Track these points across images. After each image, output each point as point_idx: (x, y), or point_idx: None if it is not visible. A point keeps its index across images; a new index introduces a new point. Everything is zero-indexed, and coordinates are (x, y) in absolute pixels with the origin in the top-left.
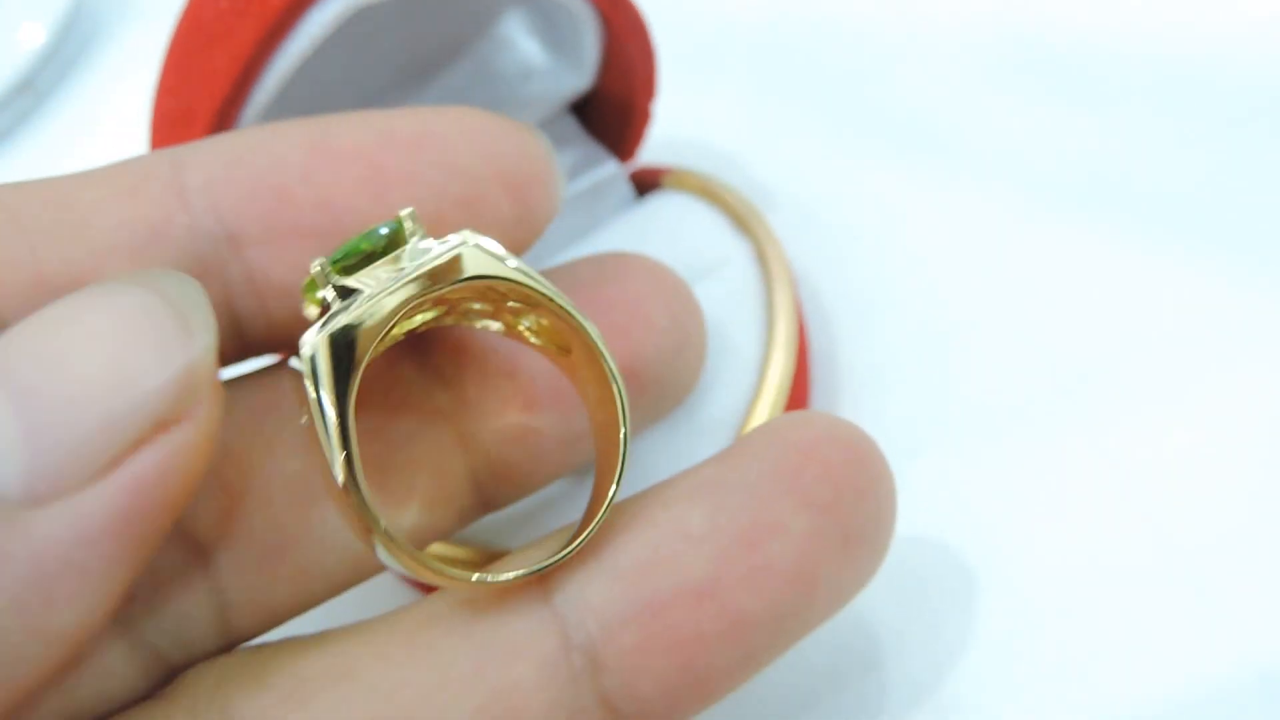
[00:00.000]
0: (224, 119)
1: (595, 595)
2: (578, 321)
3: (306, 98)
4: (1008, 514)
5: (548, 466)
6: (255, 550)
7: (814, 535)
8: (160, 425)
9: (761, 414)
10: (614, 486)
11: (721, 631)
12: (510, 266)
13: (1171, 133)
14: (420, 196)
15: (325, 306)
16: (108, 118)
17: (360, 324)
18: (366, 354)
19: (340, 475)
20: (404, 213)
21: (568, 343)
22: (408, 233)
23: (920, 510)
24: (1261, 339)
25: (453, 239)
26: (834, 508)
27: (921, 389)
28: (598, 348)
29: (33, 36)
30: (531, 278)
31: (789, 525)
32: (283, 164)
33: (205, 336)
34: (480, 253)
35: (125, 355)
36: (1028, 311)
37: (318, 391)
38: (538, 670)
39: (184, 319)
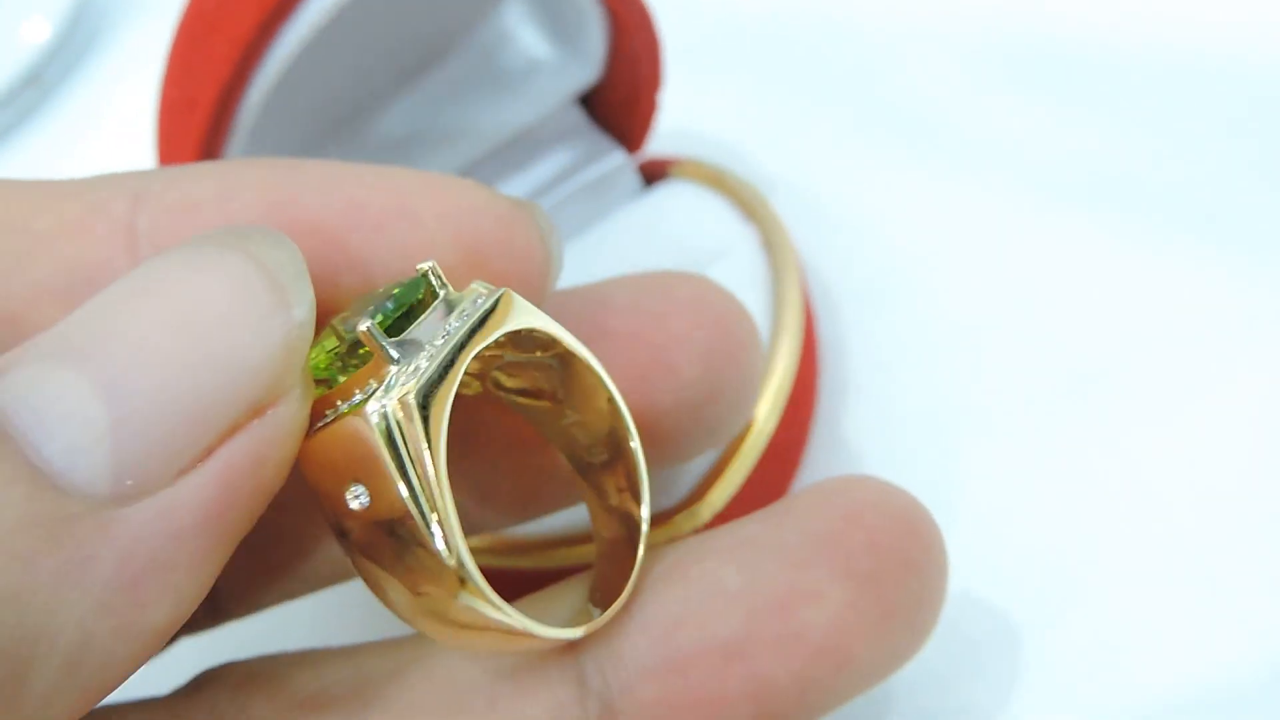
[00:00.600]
0: (225, 107)
1: (620, 644)
2: (600, 380)
3: (307, 87)
4: (1014, 504)
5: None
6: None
7: (851, 607)
8: (256, 409)
9: (767, 401)
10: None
11: (745, 694)
12: (547, 318)
13: (1177, 130)
14: (377, 282)
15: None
16: (113, 112)
17: (440, 379)
18: (445, 415)
19: (448, 551)
20: (426, 266)
21: (562, 387)
22: (435, 287)
23: (925, 501)
24: (1266, 336)
25: (480, 288)
26: (875, 580)
27: (929, 379)
28: (618, 410)
29: (38, 31)
30: (565, 332)
31: (826, 594)
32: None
33: (303, 308)
34: (519, 302)
35: (220, 332)
36: (1033, 304)
37: (405, 459)
38: (551, 710)
39: (281, 289)
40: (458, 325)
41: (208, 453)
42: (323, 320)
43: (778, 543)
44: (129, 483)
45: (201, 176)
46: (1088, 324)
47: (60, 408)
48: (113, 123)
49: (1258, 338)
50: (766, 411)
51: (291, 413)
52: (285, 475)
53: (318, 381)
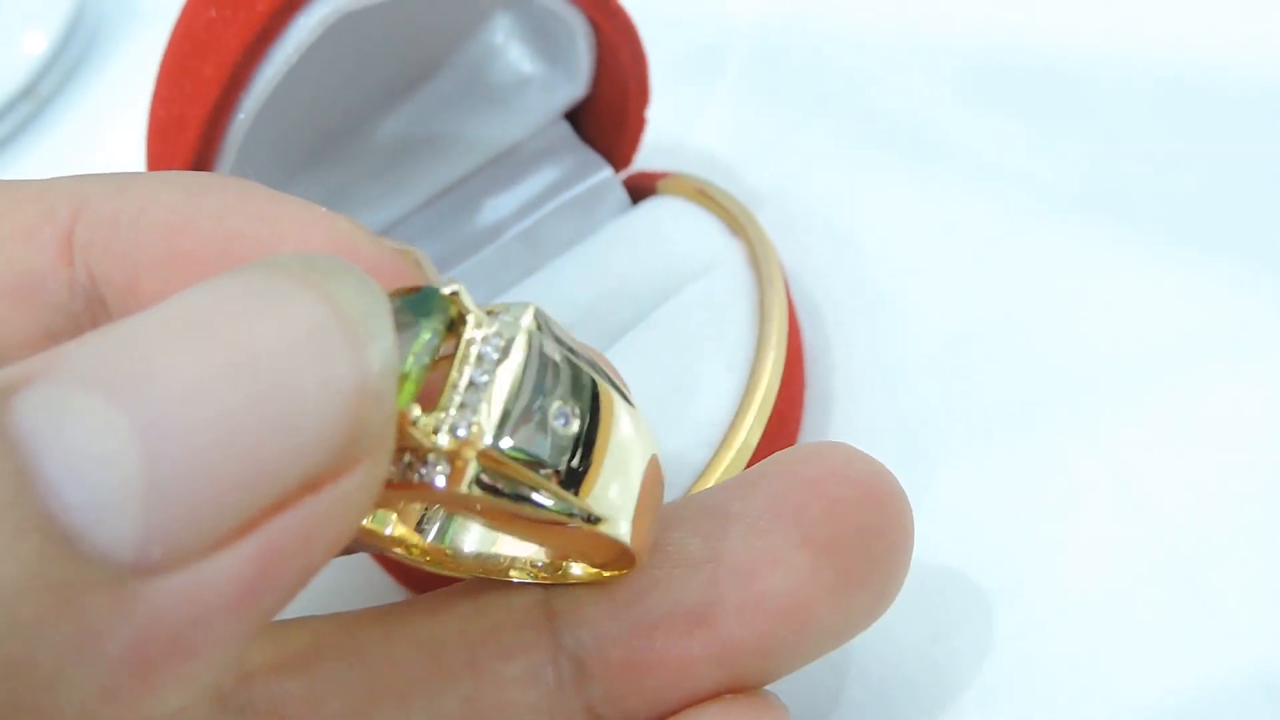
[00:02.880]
0: (214, 126)
1: (591, 609)
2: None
3: (296, 105)
4: (1002, 518)
5: None
6: None
7: (811, 573)
8: (311, 482)
9: (751, 413)
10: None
11: (709, 656)
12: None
13: (1168, 140)
14: None
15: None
16: (109, 125)
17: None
18: None
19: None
20: (449, 290)
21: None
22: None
23: (913, 513)
24: (1254, 347)
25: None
26: (835, 546)
27: (914, 392)
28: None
29: (34, 44)
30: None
31: (786, 560)
32: (147, 251)
33: (383, 365)
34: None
35: (282, 387)
36: (1019, 316)
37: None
38: (526, 670)
39: (359, 343)
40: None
41: (251, 527)
42: None
43: (741, 511)
44: (157, 552)
45: (130, 190)
46: (1074, 336)
47: (92, 448)
48: (108, 136)
49: (1245, 349)
50: (751, 424)
51: (354, 488)
52: (336, 552)
53: None
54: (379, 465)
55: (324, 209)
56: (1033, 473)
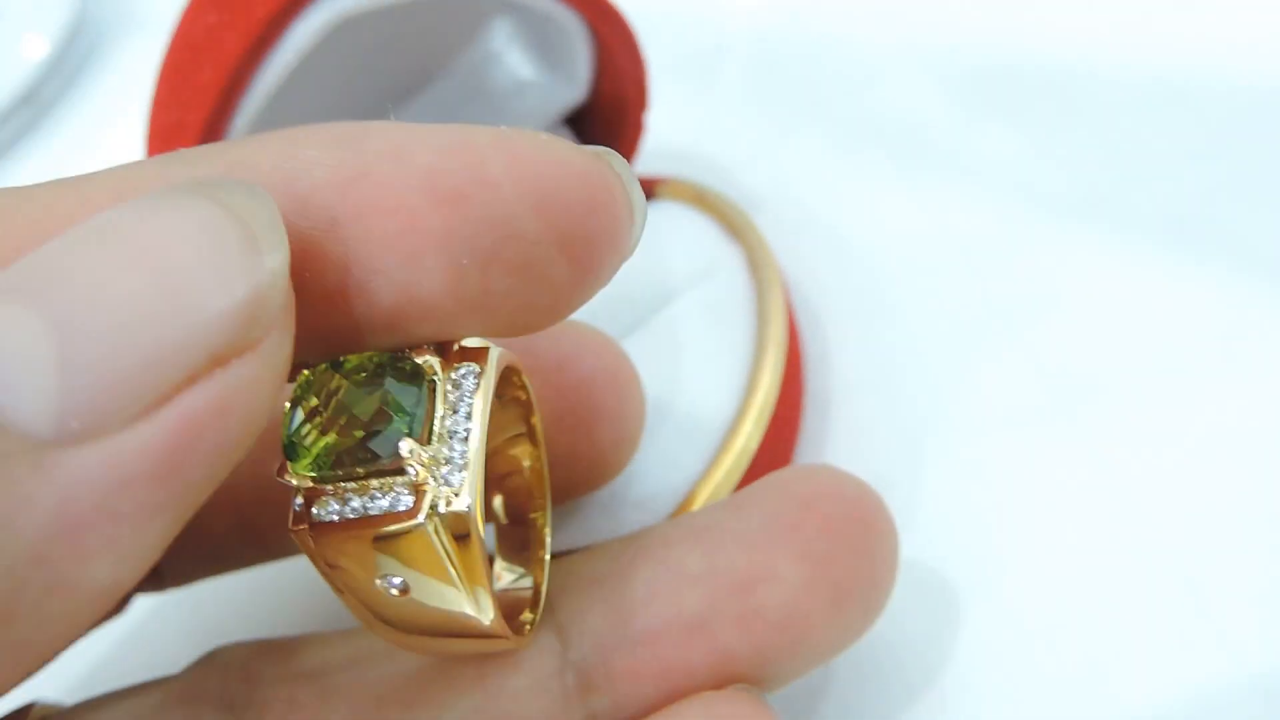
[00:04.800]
0: (212, 132)
1: (594, 620)
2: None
3: (296, 110)
4: (1000, 521)
5: None
6: None
7: (806, 586)
8: (218, 359)
9: (750, 418)
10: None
11: (708, 665)
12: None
13: (1163, 145)
14: (458, 262)
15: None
16: (110, 130)
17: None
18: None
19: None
20: (423, 361)
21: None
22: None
23: (910, 517)
24: (1250, 352)
25: (465, 368)
26: (828, 561)
27: (913, 395)
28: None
29: (35, 48)
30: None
31: (782, 574)
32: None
33: (275, 256)
34: (495, 361)
35: (180, 277)
36: (1017, 320)
37: (457, 564)
38: (534, 682)
39: (252, 236)
40: (465, 419)
41: (164, 400)
42: (389, 324)
43: (737, 528)
44: (74, 424)
45: (254, 161)
46: (1070, 340)
47: (6, 342)
48: (109, 140)
49: (1241, 354)
50: (750, 429)
51: (261, 363)
52: (255, 431)
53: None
54: (281, 344)
55: (505, 127)
56: (1029, 476)
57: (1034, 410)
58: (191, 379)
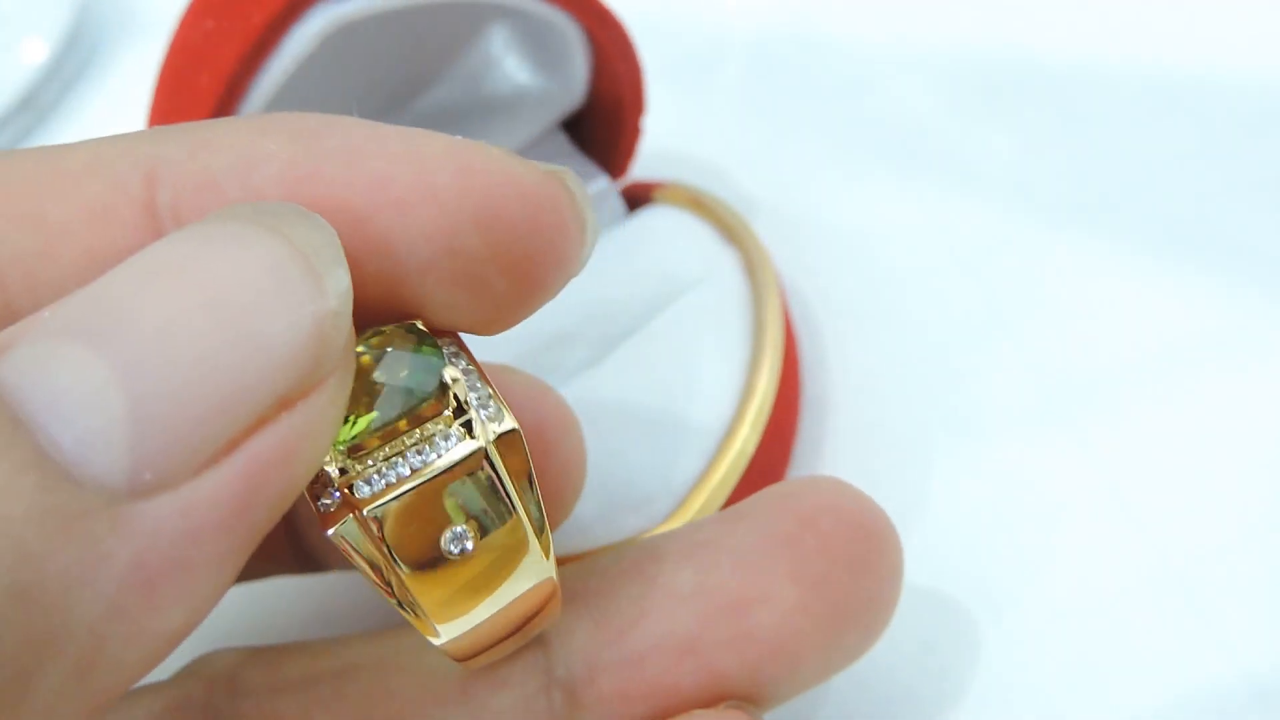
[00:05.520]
0: None
1: (581, 639)
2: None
3: None
4: (996, 525)
5: None
6: None
7: (801, 609)
8: (284, 402)
9: (747, 422)
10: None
11: (698, 686)
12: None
13: (1161, 147)
14: (394, 270)
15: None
16: (108, 134)
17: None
18: None
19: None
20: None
21: None
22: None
23: (907, 521)
24: (1246, 352)
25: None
26: (826, 583)
27: (910, 398)
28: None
29: (35, 52)
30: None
31: (776, 596)
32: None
33: (340, 293)
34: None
35: (249, 317)
36: (1014, 322)
37: (509, 493)
38: (520, 699)
39: (315, 273)
40: (465, 367)
41: (233, 446)
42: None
43: (732, 546)
44: (147, 476)
45: (220, 145)
46: (1067, 342)
47: (75, 391)
48: None
49: (1237, 355)
50: (747, 432)
51: (325, 403)
52: (315, 471)
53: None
54: (344, 381)
55: (461, 138)
56: (1026, 479)
57: (1031, 413)
58: (261, 422)
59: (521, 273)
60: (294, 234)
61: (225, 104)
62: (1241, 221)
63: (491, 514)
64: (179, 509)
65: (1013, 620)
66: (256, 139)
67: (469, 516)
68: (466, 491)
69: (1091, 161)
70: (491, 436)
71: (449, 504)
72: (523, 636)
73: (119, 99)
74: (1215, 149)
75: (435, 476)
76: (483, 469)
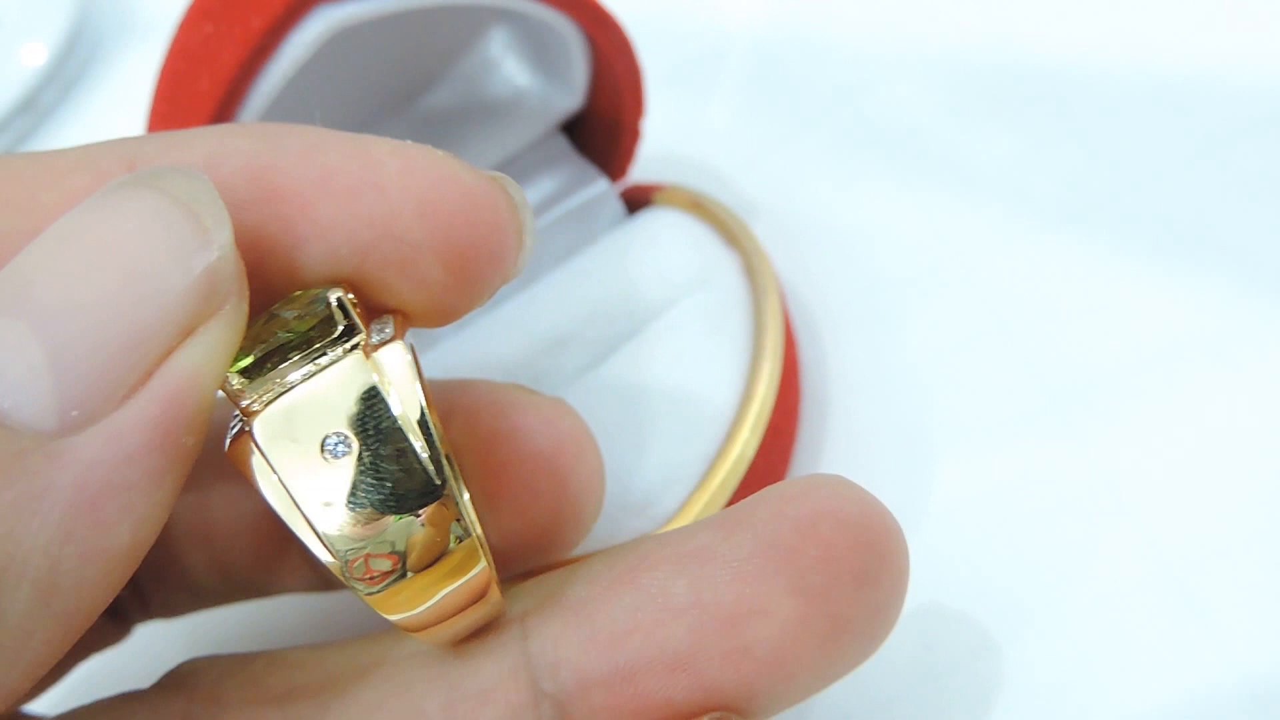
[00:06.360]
0: None
1: (571, 651)
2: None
3: (294, 118)
4: (995, 526)
5: None
6: None
7: (800, 623)
8: (186, 330)
9: (747, 424)
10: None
11: (693, 701)
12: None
13: (1159, 150)
14: (339, 250)
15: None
16: (109, 138)
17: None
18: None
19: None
20: (334, 297)
21: None
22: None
23: (906, 522)
24: (1244, 355)
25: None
26: (826, 595)
27: (910, 401)
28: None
29: (34, 56)
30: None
31: (774, 609)
32: (233, 195)
33: (222, 232)
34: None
35: (142, 266)
36: (1013, 325)
37: (392, 402)
38: (508, 714)
39: (197, 218)
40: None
41: (147, 376)
42: (270, 298)
43: (728, 554)
44: (74, 413)
45: (192, 144)
46: (1068, 344)
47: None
48: None
49: (1237, 357)
50: (748, 435)
51: (223, 326)
52: (218, 384)
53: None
54: (239, 307)
55: (409, 141)
56: (1025, 480)
57: (1030, 414)
58: (167, 352)
59: (458, 266)
60: (173, 187)
61: (224, 107)
62: (1241, 223)
63: (371, 422)
64: (108, 437)
65: (1012, 620)
66: (225, 139)
67: (350, 423)
68: (346, 399)
69: (1090, 164)
70: (374, 343)
71: (331, 411)
72: (484, 604)
73: (118, 102)
74: (1214, 150)
75: (314, 376)
76: (363, 375)
